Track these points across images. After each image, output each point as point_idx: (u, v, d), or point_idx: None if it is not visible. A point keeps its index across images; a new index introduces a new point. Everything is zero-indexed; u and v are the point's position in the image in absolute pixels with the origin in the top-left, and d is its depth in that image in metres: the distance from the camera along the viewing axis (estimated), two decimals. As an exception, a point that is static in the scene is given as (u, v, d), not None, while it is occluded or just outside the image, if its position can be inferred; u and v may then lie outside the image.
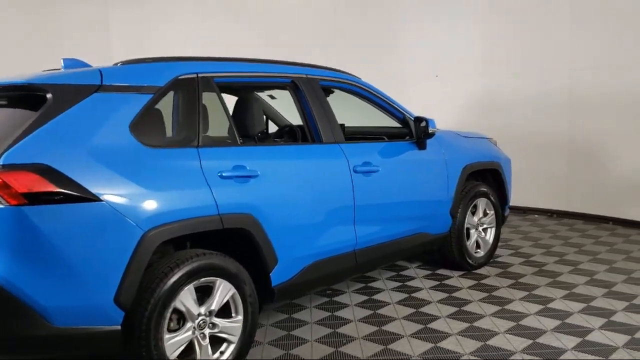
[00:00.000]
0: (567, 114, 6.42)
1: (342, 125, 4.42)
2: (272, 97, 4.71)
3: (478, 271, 4.62)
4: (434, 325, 3.53)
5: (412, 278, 4.46)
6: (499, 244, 5.35)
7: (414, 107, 7.51)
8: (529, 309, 3.74)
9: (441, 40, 7.24)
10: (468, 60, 7.11)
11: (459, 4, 7.11)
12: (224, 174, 2.85)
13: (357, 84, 3.90)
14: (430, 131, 3.90)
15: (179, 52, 7.18)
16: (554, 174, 6.62)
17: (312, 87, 3.54)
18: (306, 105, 3.49)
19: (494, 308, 3.79)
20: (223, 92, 3.90)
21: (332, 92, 4.15)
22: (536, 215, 6.76)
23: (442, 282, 4.37)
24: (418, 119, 3.99)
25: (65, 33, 7.57)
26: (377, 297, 4.05)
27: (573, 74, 6.31)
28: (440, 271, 4.63)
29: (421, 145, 4.05)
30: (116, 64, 2.92)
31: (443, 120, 7.19)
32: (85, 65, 2.94)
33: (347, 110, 4.25)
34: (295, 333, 3.46)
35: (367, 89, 3.95)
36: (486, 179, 4.94)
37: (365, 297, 4.04)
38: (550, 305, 3.81)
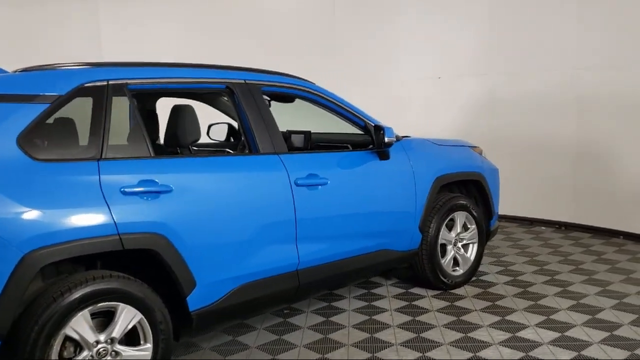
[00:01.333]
0: (573, 116, 5.93)
1: (307, 133, 4.17)
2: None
3: (455, 291, 4.25)
4: (382, 354, 3.21)
5: (380, 297, 4.14)
6: (491, 259, 4.97)
7: (415, 109, 7.21)
8: (494, 338, 3.37)
9: (442, 40, 6.85)
10: (469, 60, 6.70)
11: (460, 2, 6.71)
12: (127, 190, 2.62)
13: (307, 89, 3.61)
14: (386, 140, 3.57)
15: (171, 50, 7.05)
16: (561, 181, 6.14)
17: (251, 93, 3.28)
18: (242, 112, 3.23)
19: (456, 335, 3.43)
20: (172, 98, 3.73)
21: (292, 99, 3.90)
22: (543, 228, 6.29)
23: (412, 302, 4.03)
24: (377, 128, 3.67)
25: (52, 27, 7.51)
26: (335, 318, 3.76)
27: (579, 73, 5.83)
28: (414, 290, 4.29)
29: (383, 155, 3.73)
30: (15, 71, 2.74)
31: (443, 122, 6.87)
32: (-9, 72, 2.78)
33: (323, 117, 3.98)
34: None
35: (320, 94, 3.65)
36: (470, 190, 4.57)
37: (321, 319, 3.75)
38: (520, 333, 3.43)
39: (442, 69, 6.90)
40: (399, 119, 7.13)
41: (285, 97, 3.89)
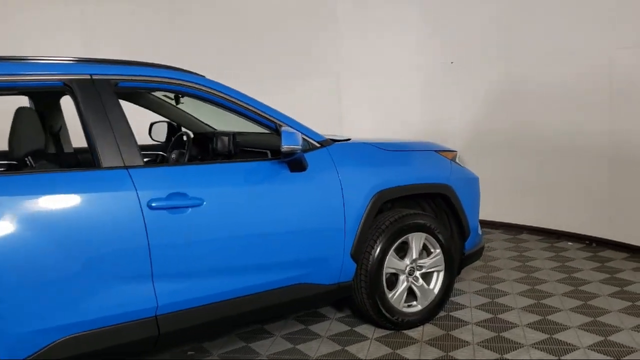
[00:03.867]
0: (606, 108, 4.79)
1: (231, 135, 3.46)
2: (176, 100, 3.83)
3: (410, 332, 3.39)
4: None
5: (314, 337, 3.36)
6: (479, 287, 4.03)
7: (423, 99, 6.19)
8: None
9: (454, 20, 5.85)
10: (486, 43, 5.65)
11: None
12: None
13: (191, 84, 2.87)
14: (284, 149, 2.77)
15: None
16: (593, 188, 5.01)
17: (98, 91, 2.61)
18: (82, 115, 2.57)
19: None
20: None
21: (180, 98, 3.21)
22: (569, 244, 5.18)
23: (345, 346, 3.22)
24: (277, 132, 2.89)
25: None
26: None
27: (616, 54, 4.68)
28: (362, 328, 3.47)
29: (295, 166, 2.94)
30: None
31: (451, 115, 5.89)
32: None
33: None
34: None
35: (211, 90, 2.91)
36: (440, 206, 3.67)
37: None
38: (454, 407, 2.56)
39: (454, 53, 5.90)
40: (406, 109, 6.22)
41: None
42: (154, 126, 4.25)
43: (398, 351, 3.15)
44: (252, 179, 2.86)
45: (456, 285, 4.13)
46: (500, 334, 3.30)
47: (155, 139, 4.25)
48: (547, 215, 5.42)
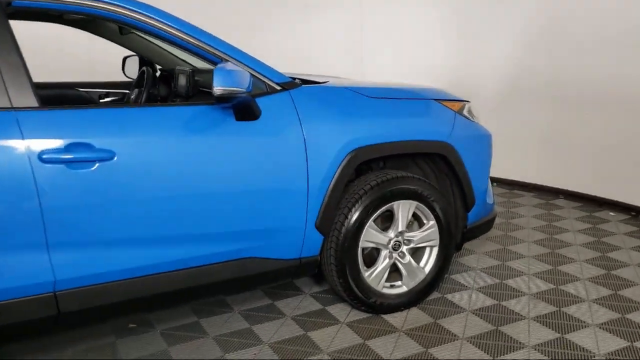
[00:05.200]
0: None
1: (189, 72, 2.92)
2: (120, 29, 3.27)
3: (390, 318, 2.84)
4: None
5: (276, 317, 2.87)
6: (491, 263, 3.41)
7: (451, 37, 5.31)
8: None
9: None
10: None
11: None
12: None
13: (107, 6, 2.27)
14: (216, 92, 2.17)
15: None
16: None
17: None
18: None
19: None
20: None
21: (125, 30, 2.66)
22: (611, 214, 4.41)
23: (308, 332, 2.71)
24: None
25: None
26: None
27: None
28: (335, 309, 2.94)
29: (241, 113, 2.36)
30: None
31: (484, 54, 5.10)
32: None
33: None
34: None
35: (129, 13, 2.29)
36: (441, 167, 3.02)
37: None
38: None
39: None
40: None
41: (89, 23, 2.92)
42: (127, 60, 3.74)
43: (369, 342, 2.61)
44: (183, 128, 2.30)
45: (463, 259, 3.52)
46: (499, 328, 2.70)
47: (128, 75, 3.74)
48: (590, 179, 4.64)
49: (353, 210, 2.66)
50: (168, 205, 2.27)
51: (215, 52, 2.41)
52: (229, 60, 2.40)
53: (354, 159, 2.60)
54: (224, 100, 2.26)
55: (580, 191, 4.72)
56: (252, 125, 2.39)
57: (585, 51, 4.43)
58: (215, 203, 2.36)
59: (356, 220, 2.66)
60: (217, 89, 2.16)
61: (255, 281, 2.63)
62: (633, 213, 4.35)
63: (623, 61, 4.18)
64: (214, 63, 2.41)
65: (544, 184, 4.98)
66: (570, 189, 4.80)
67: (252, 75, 2.32)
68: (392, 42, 5.70)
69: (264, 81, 2.49)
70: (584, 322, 2.74)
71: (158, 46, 3.45)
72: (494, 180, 5.29)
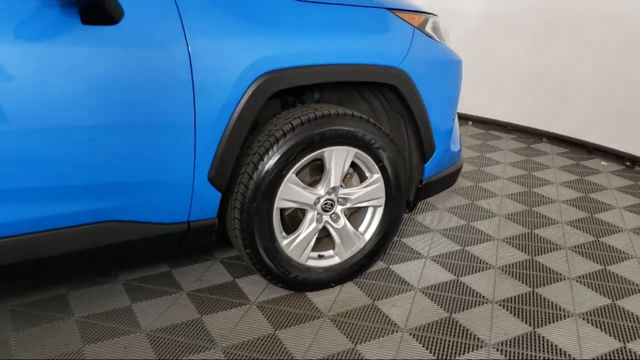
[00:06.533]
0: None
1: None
2: None
3: (316, 296, 2.19)
4: None
5: (170, 292, 2.21)
6: (457, 223, 2.76)
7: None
8: None
9: None
10: None
11: None
12: None
13: None
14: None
15: None
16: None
17: None
18: None
19: None
20: None
21: None
22: (603, 163, 3.76)
23: (204, 316, 2.06)
24: None
25: None
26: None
27: None
28: (248, 282, 2.29)
29: (90, 14, 1.58)
30: None
31: None
32: None
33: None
34: None
35: None
36: (393, 102, 2.29)
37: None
38: None
39: None
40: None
41: None
42: None
43: (279, 332, 1.97)
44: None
45: (419, 217, 2.87)
46: (453, 315, 2.07)
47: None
48: (579, 122, 3.95)
49: (266, 158, 1.94)
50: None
51: None
52: None
53: (265, 86, 1.85)
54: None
55: (567, 134, 4.04)
56: (107, 32, 1.62)
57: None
58: (55, 145, 1.62)
59: (270, 171, 1.95)
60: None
61: (121, 252, 1.92)
62: (628, 163, 3.70)
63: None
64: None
65: (526, 124, 4.29)
66: (555, 131, 4.12)
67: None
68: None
69: (128, -33, 1.69)
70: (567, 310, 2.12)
71: None
72: (468, 118, 4.59)
